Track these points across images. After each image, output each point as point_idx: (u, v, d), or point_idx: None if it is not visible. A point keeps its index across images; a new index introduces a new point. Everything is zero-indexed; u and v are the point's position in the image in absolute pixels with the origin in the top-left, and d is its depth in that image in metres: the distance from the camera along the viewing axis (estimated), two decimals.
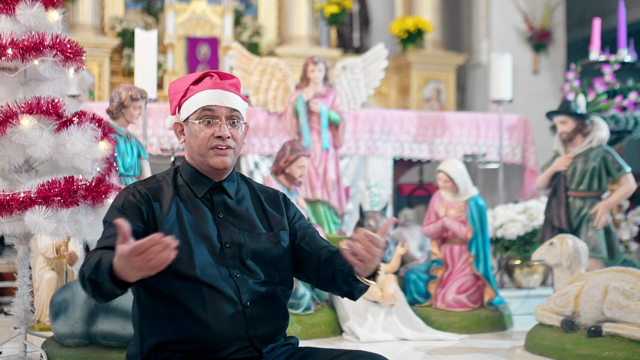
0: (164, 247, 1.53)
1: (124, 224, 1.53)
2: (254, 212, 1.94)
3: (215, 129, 1.87)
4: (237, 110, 1.91)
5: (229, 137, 1.87)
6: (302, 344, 1.98)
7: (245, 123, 1.96)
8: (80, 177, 3.04)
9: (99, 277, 1.65)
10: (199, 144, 1.88)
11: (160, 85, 7.16)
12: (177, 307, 1.79)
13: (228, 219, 1.89)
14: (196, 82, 1.93)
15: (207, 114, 1.87)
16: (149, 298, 1.83)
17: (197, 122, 1.87)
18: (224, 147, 1.87)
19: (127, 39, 7.43)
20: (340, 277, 1.85)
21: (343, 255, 1.75)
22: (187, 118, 1.91)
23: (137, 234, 1.79)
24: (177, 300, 1.79)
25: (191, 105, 1.89)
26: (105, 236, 1.79)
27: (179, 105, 1.94)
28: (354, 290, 1.85)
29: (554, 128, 4.91)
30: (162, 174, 1.97)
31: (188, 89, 1.91)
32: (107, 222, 1.83)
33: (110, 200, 3.10)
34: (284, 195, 2.04)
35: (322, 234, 4.53)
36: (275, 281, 1.90)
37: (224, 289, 1.81)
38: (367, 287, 1.83)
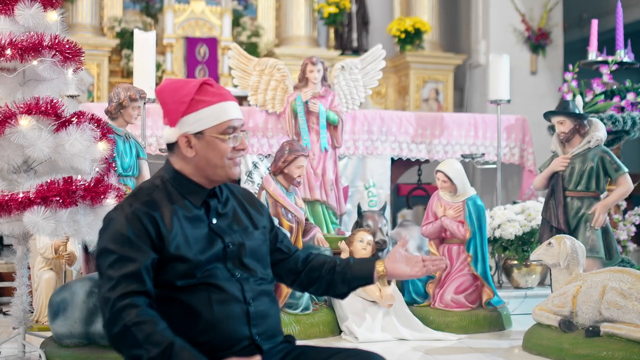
0: None
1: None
2: (240, 212, 1.97)
3: (235, 142, 1.88)
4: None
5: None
6: (300, 344, 1.99)
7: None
8: (79, 177, 3.05)
9: None
10: (220, 156, 1.85)
11: (159, 86, 7.15)
12: (183, 311, 1.80)
13: (221, 222, 1.91)
14: (198, 91, 1.85)
15: (232, 131, 1.87)
16: (158, 305, 1.80)
17: (224, 136, 1.85)
18: (240, 158, 1.90)
19: (125, 40, 7.43)
20: (341, 279, 2.01)
21: (363, 264, 2.03)
22: (201, 131, 1.84)
23: (154, 265, 1.77)
24: (183, 304, 1.80)
25: (209, 118, 1.84)
26: (126, 273, 1.72)
27: (183, 116, 1.85)
28: (350, 292, 2.04)
29: (552, 128, 4.92)
30: (148, 186, 1.89)
31: (192, 99, 1.85)
32: (119, 255, 1.74)
33: (108, 200, 3.10)
34: (253, 194, 2.10)
35: (320, 234, 4.55)
36: (268, 278, 1.95)
37: (230, 289, 1.82)
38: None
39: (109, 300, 1.70)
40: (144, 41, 4.85)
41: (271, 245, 2.03)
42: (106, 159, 3.22)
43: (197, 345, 1.77)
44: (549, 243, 3.93)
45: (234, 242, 1.88)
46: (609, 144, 5.03)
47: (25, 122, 2.95)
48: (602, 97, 5.42)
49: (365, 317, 4.25)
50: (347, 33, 8.41)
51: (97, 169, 3.17)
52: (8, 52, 3.00)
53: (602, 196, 4.38)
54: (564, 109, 4.44)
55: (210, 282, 1.81)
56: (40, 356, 3.26)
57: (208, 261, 1.83)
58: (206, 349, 1.77)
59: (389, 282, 2.03)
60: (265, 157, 5.68)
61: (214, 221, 1.89)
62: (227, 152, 1.86)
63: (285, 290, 4.20)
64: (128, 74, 7.35)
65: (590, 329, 3.61)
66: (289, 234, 4.26)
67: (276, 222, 4.24)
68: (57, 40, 3.07)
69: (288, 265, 2.04)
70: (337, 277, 2.00)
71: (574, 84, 5.63)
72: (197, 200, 1.89)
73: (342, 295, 2.04)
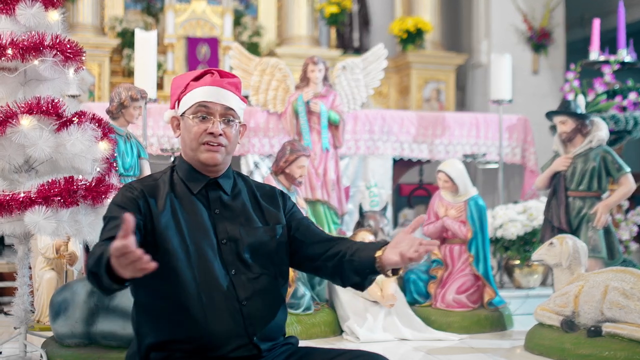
0: (140, 262, 1.48)
1: (129, 218, 1.48)
2: (250, 207, 1.95)
3: (208, 125, 1.89)
4: (232, 109, 1.91)
5: (220, 135, 1.88)
6: (302, 344, 1.98)
7: (242, 123, 1.97)
8: (80, 177, 3.05)
9: (99, 270, 1.63)
10: (191, 138, 1.89)
11: (160, 86, 7.16)
12: (175, 305, 1.79)
13: (224, 215, 1.90)
14: (197, 78, 1.95)
15: (202, 110, 1.89)
16: (147, 297, 1.83)
17: (191, 116, 1.89)
18: (215, 144, 1.89)
19: (127, 39, 7.43)
20: (351, 268, 1.86)
21: (367, 250, 1.83)
22: (183, 113, 1.93)
23: (139, 226, 1.81)
24: (174, 299, 1.79)
25: (188, 100, 1.91)
26: (108, 229, 1.80)
27: (179, 100, 1.96)
28: (365, 281, 1.87)
29: (553, 128, 4.91)
30: (159, 173, 1.97)
31: (188, 84, 1.93)
32: (108, 217, 1.84)
33: (110, 200, 3.10)
34: (281, 192, 2.05)
35: None
36: (272, 274, 1.90)
37: (221, 286, 1.81)
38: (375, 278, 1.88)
39: (89, 264, 1.74)
40: (145, 41, 4.85)
41: (288, 235, 1.96)
42: (107, 158, 3.22)
43: (189, 342, 1.78)
44: (551, 243, 3.92)
45: (230, 238, 1.87)
46: (611, 143, 5.02)
47: (26, 121, 2.95)
48: (604, 96, 5.41)
49: (367, 317, 4.25)
50: (348, 33, 8.41)
51: (98, 169, 3.17)
52: (9, 51, 3.00)
53: (603, 196, 4.37)
54: (565, 108, 4.43)
55: (202, 278, 1.80)
56: (41, 356, 3.26)
57: (201, 250, 1.82)
58: (198, 345, 1.77)
59: (394, 272, 1.86)
60: (267, 157, 5.68)
61: (217, 211, 1.90)
62: (198, 134, 1.88)
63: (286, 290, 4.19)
64: (129, 73, 7.34)
65: (592, 329, 3.60)
66: None
67: None
68: (58, 40, 3.07)
69: (305, 253, 1.95)
70: (346, 267, 1.87)
71: (575, 83, 5.62)
72: (195, 187, 1.91)
73: (357, 286, 1.89)
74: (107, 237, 1.75)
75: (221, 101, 1.90)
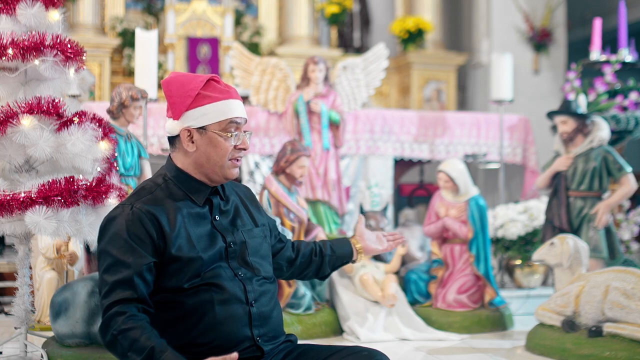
0: None
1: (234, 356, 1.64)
2: (242, 210, 1.97)
3: (237, 141, 1.87)
4: (247, 121, 1.94)
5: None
6: (302, 343, 1.99)
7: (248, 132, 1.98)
8: (81, 177, 3.04)
9: None
10: (221, 154, 1.85)
11: (160, 85, 7.14)
12: (186, 312, 1.79)
13: (223, 220, 1.90)
14: (203, 86, 1.85)
15: (233, 126, 1.86)
16: (157, 305, 1.81)
17: (225, 133, 1.84)
18: (240, 158, 1.91)
19: (127, 39, 7.43)
20: (327, 262, 2.12)
21: (342, 244, 2.15)
22: (203, 126, 1.83)
23: (151, 270, 1.77)
24: (186, 306, 1.79)
25: (212, 114, 1.83)
26: (119, 279, 1.73)
27: (186, 110, 1.84)
28: (331, 272, 2.16)
29: (554, 128, 4.90)
30: (150, 184, 1.88)
31: (199, 94, 1.84)
32: (117, 260, 1.75)
33: (110, 200, 3.09)
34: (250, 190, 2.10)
35: (322, 234, 4.54)
36: (270, 277, 1.94)
37: (232, 289, 1.82)
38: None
39: (103, 307, 1.75)
40: (145, 41, 4.85)
41: (272, 237, 2.05)
42: (108, 158, 3.21)
43: (198, 346, 1.77)
44: (552, 243, 3.92)
45: (236, 241, 1.88)
46: (612, 143, 5.01)
47: (27, 121, 2.94)
48: (605, 96, 5.41)
49: (368, 317, 4.25)
50: (349, 32, 8.40)
51: (98, 169, 3.16)
52: (10, 51, 2.99)
53: (604, 196, 4.37)
54: (566, 108, 4.43)
55: (213, 282, 1.80)
56: (42, 356, 3.26)
57: (211, 260, 1.82)
58: (207, 349, 1.77)
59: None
60: (267, 157, 5.68)
61: (217, 218, 1.89)
62: (228, 150, 1.85)
63: (287, 290, 4.20)
64: (130, 73, 7.34)
65: (593, 329, 3.60)
66: (291, 234, 4.26)
67: (278, 221, 4.23)
68: (58, 40, 3.06)
69: (286, 254, 2.08)
70: (324, 260, 2.11)
71: (576, 83, 5.61)
72: (200, 198, 1.88)
73: (325, 277, 2.15)
74: (123, 298, 1.72)
75: (244, 115, 1.90)
